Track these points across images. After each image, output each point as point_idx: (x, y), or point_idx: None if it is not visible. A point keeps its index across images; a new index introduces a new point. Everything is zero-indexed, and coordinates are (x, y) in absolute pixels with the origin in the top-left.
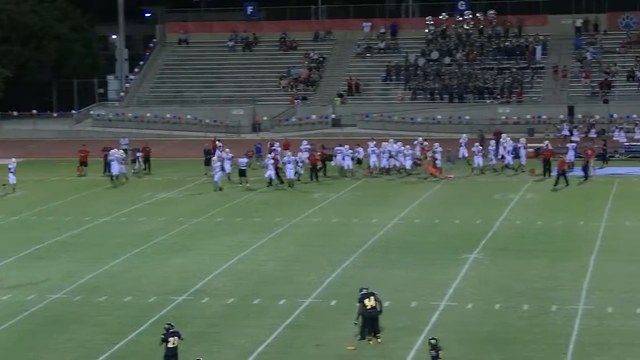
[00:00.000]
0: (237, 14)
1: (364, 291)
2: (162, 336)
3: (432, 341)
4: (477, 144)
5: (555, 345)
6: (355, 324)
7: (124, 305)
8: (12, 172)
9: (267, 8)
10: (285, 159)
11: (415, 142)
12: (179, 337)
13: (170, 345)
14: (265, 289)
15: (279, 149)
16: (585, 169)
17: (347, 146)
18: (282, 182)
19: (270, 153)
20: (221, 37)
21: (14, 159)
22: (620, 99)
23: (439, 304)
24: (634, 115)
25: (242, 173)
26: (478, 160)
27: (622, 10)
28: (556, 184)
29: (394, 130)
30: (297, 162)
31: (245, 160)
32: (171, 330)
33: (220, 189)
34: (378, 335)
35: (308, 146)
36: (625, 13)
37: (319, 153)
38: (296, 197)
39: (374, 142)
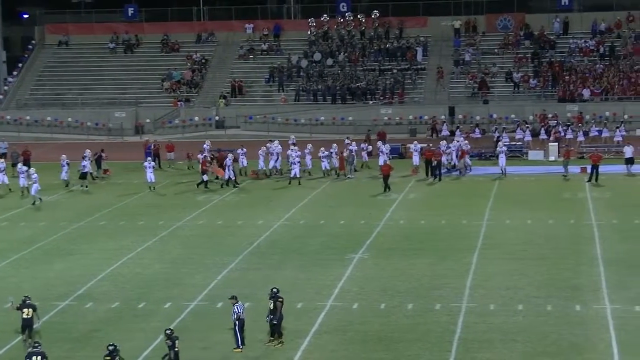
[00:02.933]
0: (118, 15)
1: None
2: (18, 305)
3: (168, 331)
4: (364, 143)
5: (439, 343)
6: (267, 321)
7: (5, 311)
8: None
9: (149, 10)
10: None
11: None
12: (35, 309)
13: (24, 315)
14: (151, 292)
15: (208, 147)
16: (436, 168)
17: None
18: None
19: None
20: (102, 38)
21: None
22: (500, 99)
23: (325, 305)
24: (513, 115)
25: (82, 176)
26: (364, 157)
27: (499, 12)
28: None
29: (278, 131)
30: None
31: (86, 163)
32: (27, 302)
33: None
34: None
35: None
36: (503, 15)
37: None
38: (180, 199)
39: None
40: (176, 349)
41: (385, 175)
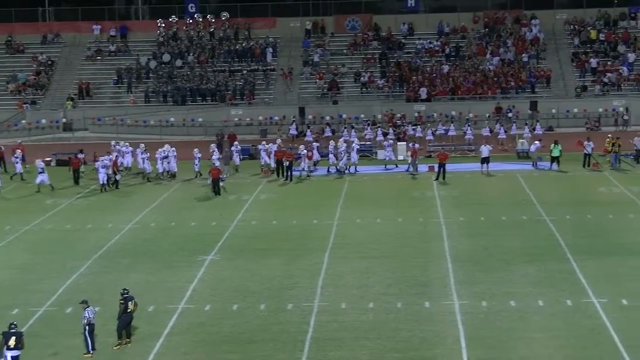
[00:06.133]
0: None
1: (127, 294)
2: None
3: None
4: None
5: (292, 343)
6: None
7: None
8: None
9: None
10: (98, 163)
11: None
12: None
13: None
14: None
15: (124, 149)
16: (289, 168)
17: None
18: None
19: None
20: None
21: None
22: (349, 100)
23: (177, 307)
24: (362, 115)
25: None
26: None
27: (347, 13)
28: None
29: (127, 133)
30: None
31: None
32: None
33: None
34: (129, 339)
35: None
36: (351, 16)
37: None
38: (27, 204)
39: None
40: None
41: (214, 179)
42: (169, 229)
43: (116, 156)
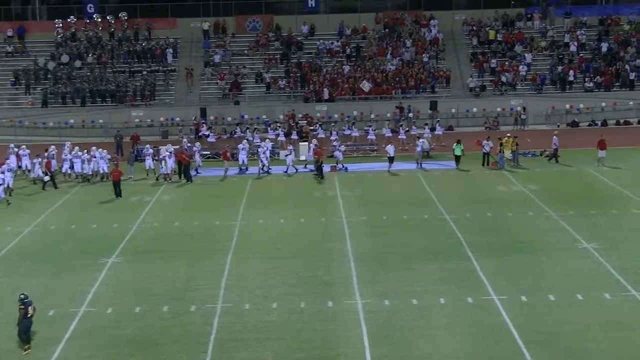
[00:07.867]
0: None
1: (26, 298)
2: None
3: None
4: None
5: (195, 345)
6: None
7: None
8: None
9: None
10: (4, 167)
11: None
12: None
13: None
14: None
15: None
16: (186, 170)
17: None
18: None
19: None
20: None
21: None
22: (251, 100)
23: (78, 310)
24: (264, 116)
25: None
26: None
27: (248, 13)
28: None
29: (26, 135)
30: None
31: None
32: None
33: None
34: (29, 344)
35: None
36: (252, 16)
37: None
38: None
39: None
40: None
41: (115, 181)
42: (70, 231)
43: (48, 158)
